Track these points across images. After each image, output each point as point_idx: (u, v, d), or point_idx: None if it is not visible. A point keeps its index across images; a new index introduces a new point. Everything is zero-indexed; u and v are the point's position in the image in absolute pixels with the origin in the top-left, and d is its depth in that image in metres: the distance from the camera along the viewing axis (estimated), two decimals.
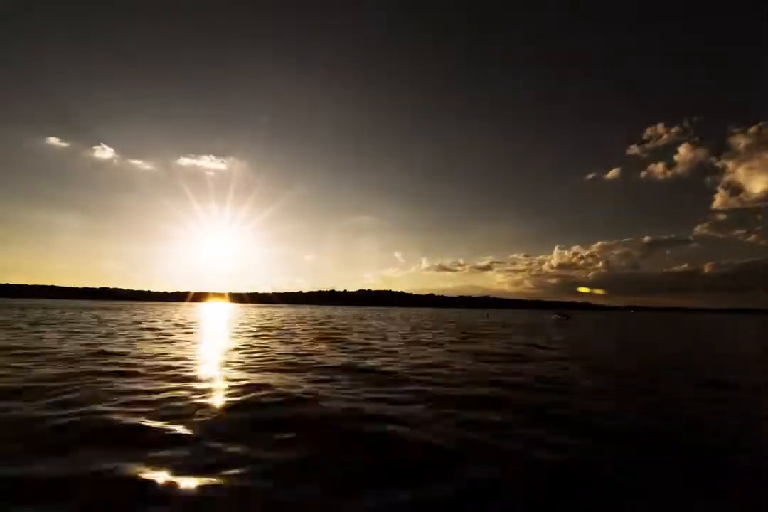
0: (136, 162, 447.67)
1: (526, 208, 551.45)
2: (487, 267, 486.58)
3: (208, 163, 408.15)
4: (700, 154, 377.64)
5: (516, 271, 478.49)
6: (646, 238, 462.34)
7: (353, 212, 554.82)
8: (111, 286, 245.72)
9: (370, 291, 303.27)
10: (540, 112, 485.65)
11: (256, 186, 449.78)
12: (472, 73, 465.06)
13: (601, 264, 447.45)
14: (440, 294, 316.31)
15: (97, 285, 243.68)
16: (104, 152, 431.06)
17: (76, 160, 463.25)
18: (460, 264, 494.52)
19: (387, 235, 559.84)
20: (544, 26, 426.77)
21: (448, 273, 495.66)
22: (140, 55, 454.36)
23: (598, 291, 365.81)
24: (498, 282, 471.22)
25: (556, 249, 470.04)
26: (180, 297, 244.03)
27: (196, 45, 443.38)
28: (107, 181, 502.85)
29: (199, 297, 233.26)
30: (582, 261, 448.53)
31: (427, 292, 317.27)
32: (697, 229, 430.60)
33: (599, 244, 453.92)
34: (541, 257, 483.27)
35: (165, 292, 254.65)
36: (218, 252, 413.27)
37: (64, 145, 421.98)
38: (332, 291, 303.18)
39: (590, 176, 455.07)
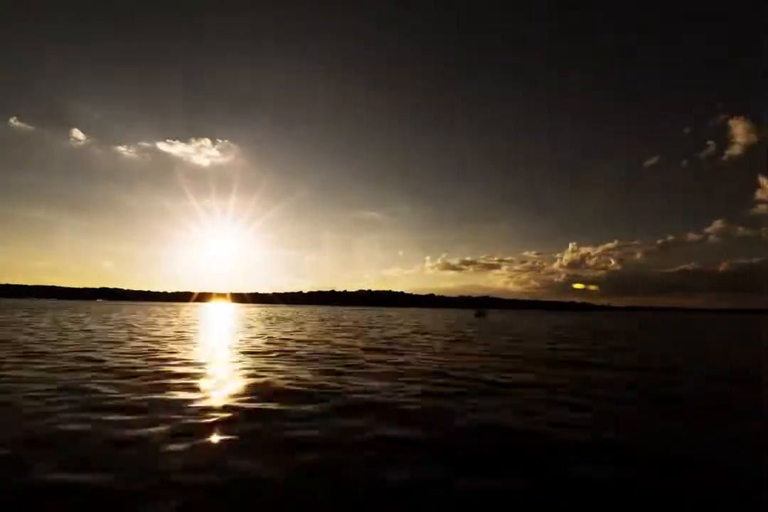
0: (119, 148, 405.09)
1: (541, 203, 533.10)
2: (495, 266, 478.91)
3: (202, 151, 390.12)
4: (756, 136, 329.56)
5: (525, 270, 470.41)
6: (667, 236, 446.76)
7: (356, 210, 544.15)
8: (111, 286, 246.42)
9: (370, 291, 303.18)
10: (563, 100, 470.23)
11: (257, 185, 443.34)
12: (487, 64, 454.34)
13: (612, 262, 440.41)
14: (441, 294, 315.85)
15: (96, 286, 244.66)
16: (80, 136, 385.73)
17: (48, 145, 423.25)
18: (466, 263, 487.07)
19: (391, 233, 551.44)
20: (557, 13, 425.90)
21: (453, 273, 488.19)
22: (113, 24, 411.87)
23: (593, 287, 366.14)
24: (503, 281, 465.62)
25: (570, 247, 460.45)
26: (181, 297, 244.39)
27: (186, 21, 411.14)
28: (88, 170, 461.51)
29: (201, 297, 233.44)
30: (593, 260, 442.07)
31: (428, 292, 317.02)
32: (717, 223, 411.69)
33: (615, 242, 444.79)
34: (555, 255, 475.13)
35: (165, 292, 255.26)
36: (217, 251, 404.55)
37: (30, 128, 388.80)
38: (332, 292, 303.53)
39: (621, 167, 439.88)
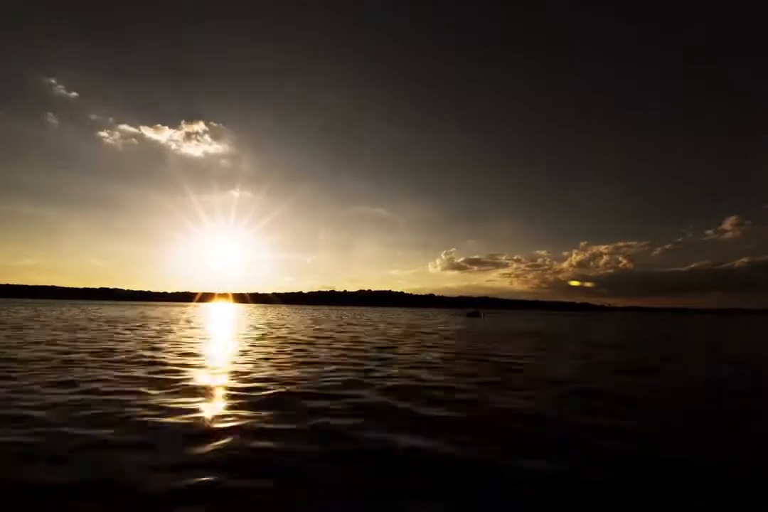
0: (101, 134, 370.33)
1: (554, 201, 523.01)
2: (504, 264, 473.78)
3: (193, 138, 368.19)
4: None
5: (532, 269, 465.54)
6: (687, 233, 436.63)
7: (360, 206, 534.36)
8: (111, 287, 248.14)
9: (370, 291, 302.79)
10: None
11: (256, 181, 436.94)
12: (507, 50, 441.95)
13: (623, 262, 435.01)
14: (441, 294, 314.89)
15: (87, 285, 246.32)
16: (55, 121, 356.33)
17: (20, 132, 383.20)
18: (472, 262, 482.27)
19: (396, 231, 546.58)
20: None
21: (456, 272, 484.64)
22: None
23: (588, 285, 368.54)
24: (509, 280, 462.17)
25: (581, 245, 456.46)
26: (180, 297, 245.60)
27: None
28: (68, 160, 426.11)
29: (203, 298, 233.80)
30: (604, 259, 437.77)
31: (429, 292, 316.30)
32: (732, 220, 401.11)
33: (628, 241, 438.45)
34: (565, 254, 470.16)
35: (165, 292, 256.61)
36: (219, 251, 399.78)
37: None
38: (332, 292, 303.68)
39: (637, 165, 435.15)
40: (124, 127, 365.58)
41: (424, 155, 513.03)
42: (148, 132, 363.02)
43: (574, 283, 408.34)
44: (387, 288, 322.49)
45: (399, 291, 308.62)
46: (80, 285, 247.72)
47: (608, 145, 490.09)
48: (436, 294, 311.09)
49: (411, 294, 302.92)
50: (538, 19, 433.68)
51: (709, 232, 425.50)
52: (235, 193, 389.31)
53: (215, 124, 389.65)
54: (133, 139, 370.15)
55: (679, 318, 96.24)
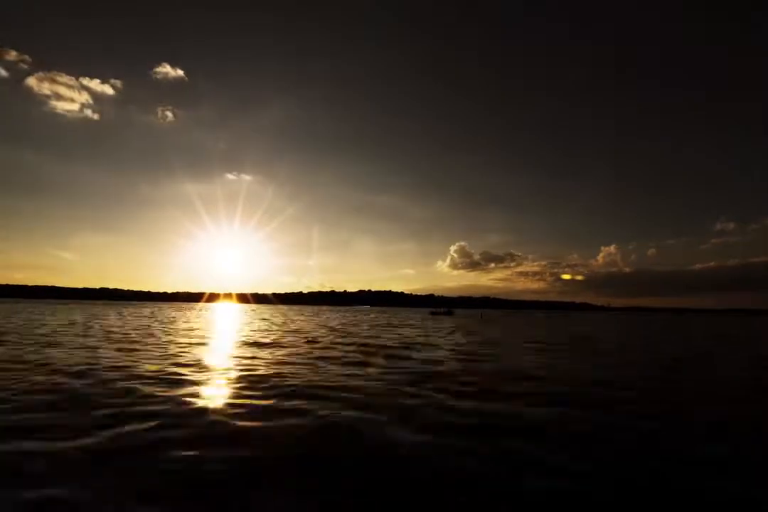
0: (28, 82, 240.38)
1: (582, 201, 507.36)
2: (520, 262, 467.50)
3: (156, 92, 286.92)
4: None
5: (550, 268, 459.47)
6: (712, 229, 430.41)
7: (363, 198, 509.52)
8: (111, 287, 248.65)
9: (369, 291, 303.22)
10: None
11: (261, 169, 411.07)
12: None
13: (648, 260, 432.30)
14: (441, 294, 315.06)
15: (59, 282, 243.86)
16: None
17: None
18: (487, 259, 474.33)
19: (397, 228, 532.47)
20: None
21: (462, 271, 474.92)
22: None
23: (579, 278, 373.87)
24: (521, 280, 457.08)
25: (612, 247, 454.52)
26: (180, 297, 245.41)
27: None
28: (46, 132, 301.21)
29: (202, 297, 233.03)
30: (629, 259, 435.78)
31: (429, 292, 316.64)
32: None
33: (650, 241, 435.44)
34: (590, 252, 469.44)
35: (165, 293, 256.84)
36: (214, 250, 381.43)
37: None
38: (332, 292, 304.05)
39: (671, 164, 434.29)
40: (58, 75, 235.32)
41: (430, 148, 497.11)
42: (92, 84, 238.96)
43: (566, 277, 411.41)
44: (387, 289, 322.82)
45: (399, 291, 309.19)
46: (62, 284, 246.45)
47: (625, 142, 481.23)
48: (435, 294, 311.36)
49: (411, 295, 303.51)
50: (539, 18, 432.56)
51: (756, 226, 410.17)
52: (232, 176, 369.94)
53: (189, 71, 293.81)
54: (75, 94, 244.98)
55: (678, 318, 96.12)
